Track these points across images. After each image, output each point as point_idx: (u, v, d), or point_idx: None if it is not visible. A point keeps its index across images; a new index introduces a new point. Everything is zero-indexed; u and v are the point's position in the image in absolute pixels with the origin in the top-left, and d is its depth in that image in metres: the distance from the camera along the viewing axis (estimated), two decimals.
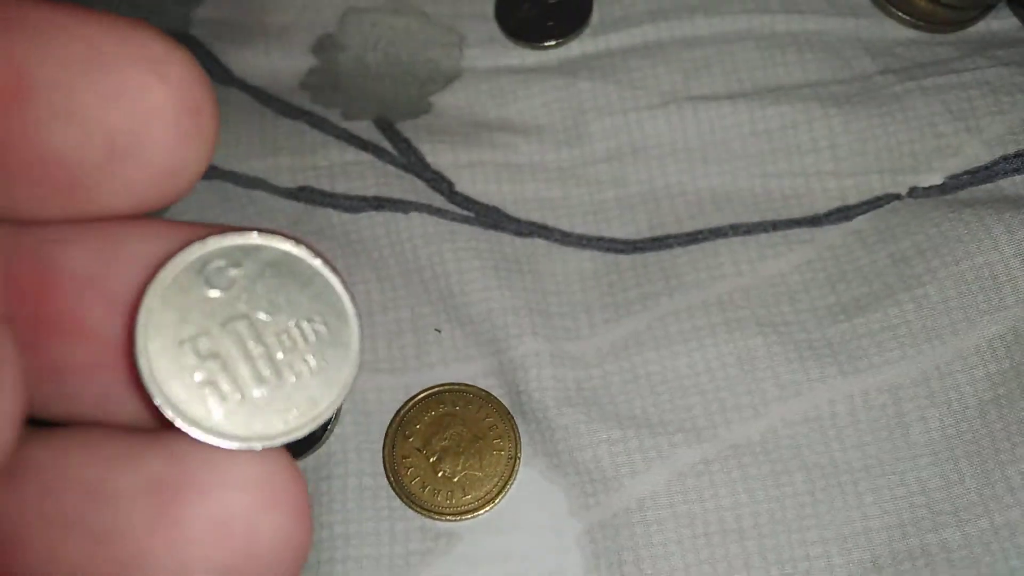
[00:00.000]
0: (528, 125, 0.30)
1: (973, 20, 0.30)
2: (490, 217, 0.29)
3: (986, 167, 0.28)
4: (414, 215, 0.29)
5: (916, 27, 0.30)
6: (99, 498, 0.13)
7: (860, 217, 0.28)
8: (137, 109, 0.12)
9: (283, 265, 0.13)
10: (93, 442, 0.13)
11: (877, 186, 0.29)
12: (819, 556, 0.25)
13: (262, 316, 0.13)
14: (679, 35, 0.30)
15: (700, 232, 0.29)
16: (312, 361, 0.13)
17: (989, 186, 0.28)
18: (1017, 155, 0.28)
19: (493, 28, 0.31)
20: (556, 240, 0.29)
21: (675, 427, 0.27)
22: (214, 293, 0.13)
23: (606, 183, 0.30)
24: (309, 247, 0.13)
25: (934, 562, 0.25)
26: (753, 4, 0.31)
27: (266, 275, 0.13)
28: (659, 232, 0.29)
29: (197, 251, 0.12)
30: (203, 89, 0.12)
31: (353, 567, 0.26)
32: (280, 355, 0.13)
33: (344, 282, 0.13)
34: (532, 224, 0.29)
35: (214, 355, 0.13)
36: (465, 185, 0.30)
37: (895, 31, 0.31)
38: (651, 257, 0.29)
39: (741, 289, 0.28)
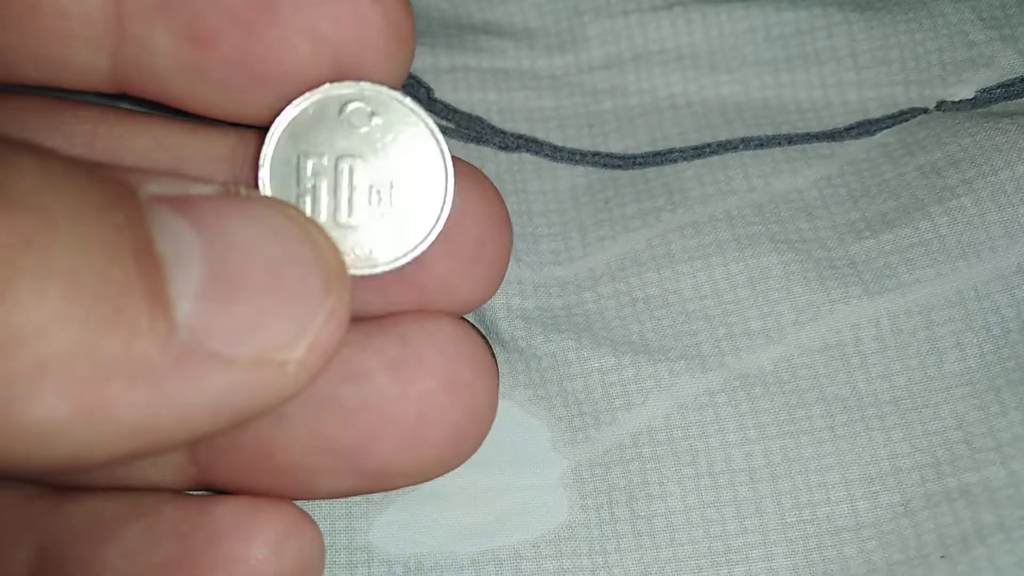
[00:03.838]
0: (518, 28, 0.28)
1: None
2: (472, 128, 0.26)
3: (1022, 79, 0.26)
4: None
5: None
6: (350, 378, 0.15)
7: (884, 131, 0.26)
8: (360, 27, 0.14)
9: (413, 132, 0.15)
10: None
11: (902, 99, 0.26)
12: (841, 500, 0.22)
13: (369, 162, 0.15)
14: None
15: (707, 145, 0.26)
16: (383, 217, 0.15)
17: None
18: None
19: None
20: (546, 155, 0.26)
21: (677, 354, 0.23)
22: (345, 125, 0.15)
23: (603, 93, 0.27)
24: (445, 131, 0.15)
25: (976, 502, 0.21)
26: None
27: (394, 130, 0.15)
28: (661, 146, 0.26)
29: (347, 88, 0.15)
30: (406, 12, 0.15)
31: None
32: (361, 202, 0.15)
33: (454, 174, 0.15)
34: (520, 137, 0.26)
35: (315, 175, 0.15)
36: (446, 92, 0.27)
37: None
38: (652, 172, 0.26)
39: (753, 205, 0.25)
